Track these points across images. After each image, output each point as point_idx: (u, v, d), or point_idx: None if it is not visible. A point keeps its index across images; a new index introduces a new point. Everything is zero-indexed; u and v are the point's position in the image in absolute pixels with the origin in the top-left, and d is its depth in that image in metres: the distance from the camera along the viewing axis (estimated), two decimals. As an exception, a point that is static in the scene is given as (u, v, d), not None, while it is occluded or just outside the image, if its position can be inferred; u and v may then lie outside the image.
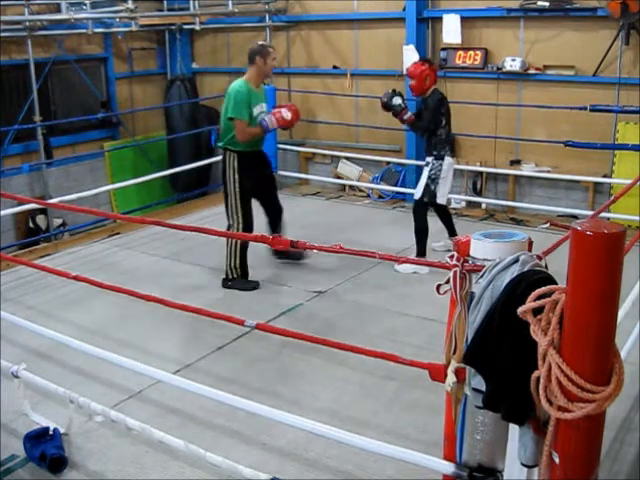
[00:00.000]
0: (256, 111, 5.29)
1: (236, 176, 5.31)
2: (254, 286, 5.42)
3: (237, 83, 5.34)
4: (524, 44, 7.49)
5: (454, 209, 7.72)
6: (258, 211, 5.66)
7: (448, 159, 5.74)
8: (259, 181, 5.50)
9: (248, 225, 5.38)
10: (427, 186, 5.74)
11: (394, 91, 5.84)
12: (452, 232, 6.00)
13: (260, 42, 5.60)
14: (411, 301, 5.11)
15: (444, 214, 6.06)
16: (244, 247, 5.39)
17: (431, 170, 5.74)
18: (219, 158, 8.99)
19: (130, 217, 7.56)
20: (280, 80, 9.19)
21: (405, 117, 5.79)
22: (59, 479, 3.15)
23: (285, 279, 5.61)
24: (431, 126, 5.70)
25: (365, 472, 3.18)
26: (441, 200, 5.78)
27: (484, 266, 2.02)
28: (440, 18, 7.77)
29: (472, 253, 2.11)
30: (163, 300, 3.17)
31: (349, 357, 3.98)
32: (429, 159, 5.78)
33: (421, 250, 5.80)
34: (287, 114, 5.23)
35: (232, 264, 5.41)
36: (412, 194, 8.08)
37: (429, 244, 5.89)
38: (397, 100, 5.75)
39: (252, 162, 5.39)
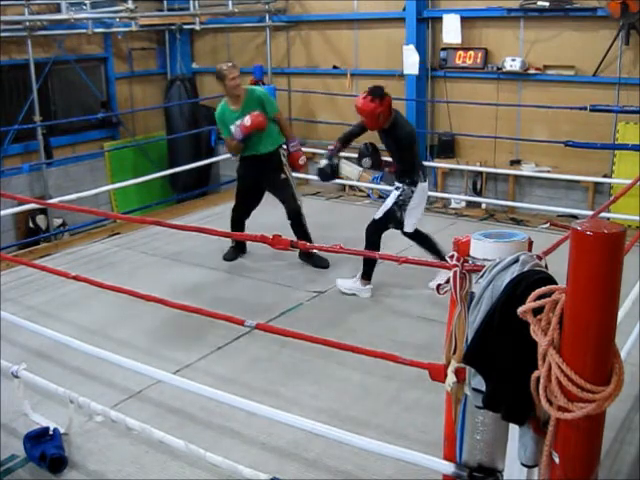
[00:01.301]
0: (234, 128, 5.62)
1: (236, 176, 6.11)
2: (227, 258, 6.04)
3: (219, 105, 5.77)
4: (524, 44, 7.49)
5: (454, 209, 7.75)
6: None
7: (421, 185, 5.13)
8: (264, 183, 5.88)
9: (233, 219, 6.04)
10: (392, 211, 5.14)
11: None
12: (438, 255, 5.11)
13: (220, 66, 5.68)
14: (411, 301, 5.11)
15: (419, 239, 5.33)
16: (233, 225, 6.01)
17: (400, 195, 5.12)
18: (219, 158, 9.12)
19: (130, 217, 7.56)
20: (280, 80, 9.20)
21: (387, 170, 5.26)
22: (59, 479, 3.15)
23: (285, 279, 5.61)
24: (416, 162, 5.20)
25: (365, 472, 3.18)
26: (409, 229, 5.18)
27: (484, 266, 2.02)
28: (440, 18, 7.77)
29: (472, 253, 2.11)
30: (163, 300, 3.17)
31: (349, 357, 3.97)
32: (399, 184, 5.17)
33: (367, 274, 5.18)
34: (247, 121, 5.51)
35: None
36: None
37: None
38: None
39: (251, 165, 5.81)
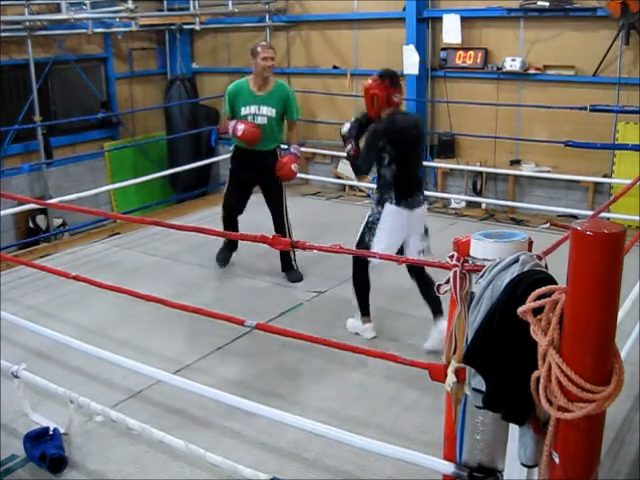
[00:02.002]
0: (245, 111, 5.36)
1: (229, 166, 5.78)
2: (219, 259, 5.83)
3: (237, 81, 5.53)
4: (524, 44, 7.49)
5: (454, 209, 7.75)
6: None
7: (389, 207, 4.32)
8: (256, 180, 5.63)
9: (225, 211, 5.76)
10: (362, 234, 4.43)
11: (358, 117, 4.60)
12: (437, 307, 4.37)
13: (256, 43, 5.54)
14: (411, 301, 5.10)
15: (419, 277, 4.47)
16: (225, 222, 5.74)
17: (370, 216, 4.44)
18: (219, 158, 9.12)
19: (130, 217, 7.57)
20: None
21: (347, 149, 4.51)
22: (59, 479, 3.15)
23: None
24: (364, 166, 4.41)
25: (365, 472, 3.18)
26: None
27: (484, 266, 2.02)
28: (440, 18, 7.78)
29: (472, 253, 2.11)
30: (163, 300, 3.17)
31: (349, 357, 3.98)
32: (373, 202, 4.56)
33: (363, 310, 4.58)
34: (241, 129, 5.29)
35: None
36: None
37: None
38: (345, 128, 4.54)
39: (244, 159, 5.55)
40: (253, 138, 5.32)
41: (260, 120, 5.37)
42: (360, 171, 4.53)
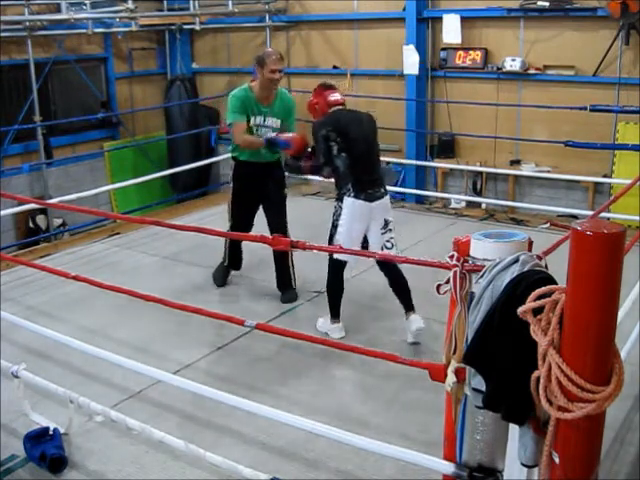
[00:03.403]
0: (253, 121, 5.01)
1: (232, 184, 5.33)
2: (217, 281, 5.55)
3: (238, 87, 5.19)
4: (524, 44, 7.50)
5: (454, 209, 7.75)
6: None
7: (348, 200, 4.24)
8: (259, 197, 5.28)
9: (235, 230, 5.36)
10: (330, 235, 4.38)
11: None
12: (407, 302, 4.44)
13: (265, 51, 5.12)
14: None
15: (389, 272, 4.44)
16: (231, 243, 5.50)
17: (334, 214, 4.38)
18: (219, 158, 9.13)
19: (130, 217, 7.57)
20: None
21: (305, 165, 4.60)
22: (59, 479, 3.15)
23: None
24: (320, 158, 4.35)
25: (365, 472, 3.18)
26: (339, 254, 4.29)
27: (484, 266, 2.02)
28: (440, 18, 7.78)
29: (472, 253, 2.11)
30: (163, 300, 3.17)
31: (349, 357, 3.98)
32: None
33: (334, 311, 4.57)
34: (292, 143, 4.75)
35: (224, 249, 5.59)
36: (412, 194, 8.17)
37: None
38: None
39: (249, 173, 5.22)
40: (300, 148, 4.77)
41: (264, 131, 5.08)
42: (320, 167, 4.43)
